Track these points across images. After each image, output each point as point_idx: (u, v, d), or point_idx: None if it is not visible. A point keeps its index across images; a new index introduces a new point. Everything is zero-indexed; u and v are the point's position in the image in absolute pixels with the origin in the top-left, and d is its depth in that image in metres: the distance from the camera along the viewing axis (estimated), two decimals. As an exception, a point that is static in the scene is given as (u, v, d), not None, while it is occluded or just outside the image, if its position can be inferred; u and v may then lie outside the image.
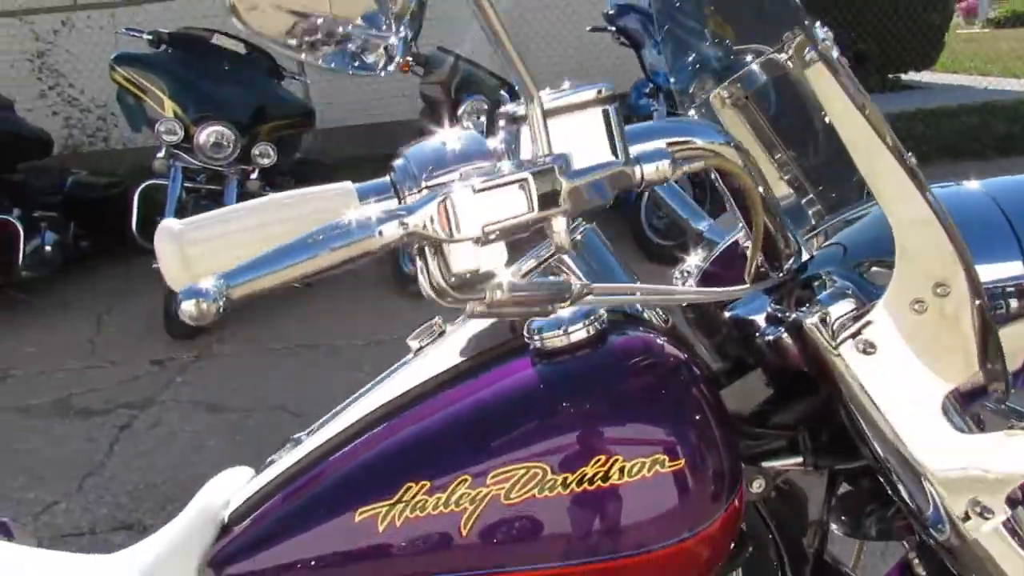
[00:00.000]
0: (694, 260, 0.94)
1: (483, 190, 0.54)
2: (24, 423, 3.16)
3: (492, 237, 0.55)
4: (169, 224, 0.56)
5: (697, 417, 0.71)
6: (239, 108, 3.93)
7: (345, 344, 3.68)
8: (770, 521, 0.88)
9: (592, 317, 0.73)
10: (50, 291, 4.68)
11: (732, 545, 0.83)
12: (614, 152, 0.59)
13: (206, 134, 3.82)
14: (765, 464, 0.85)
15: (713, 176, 0.76)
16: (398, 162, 0.58)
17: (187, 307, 0.51)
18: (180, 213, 3.92)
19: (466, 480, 0.68)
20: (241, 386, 3.28)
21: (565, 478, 0.67)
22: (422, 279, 0.57)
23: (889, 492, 0.88)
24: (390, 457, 0.73)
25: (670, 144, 0.66)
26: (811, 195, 0.87)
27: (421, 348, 0.88)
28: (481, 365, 0.77)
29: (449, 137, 0.58)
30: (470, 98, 4.24)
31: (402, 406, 0.77)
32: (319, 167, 5.26)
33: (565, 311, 0.76)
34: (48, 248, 4.62)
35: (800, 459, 0.85)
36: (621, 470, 0.67)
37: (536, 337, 0.74)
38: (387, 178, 0.59)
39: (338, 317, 3.95)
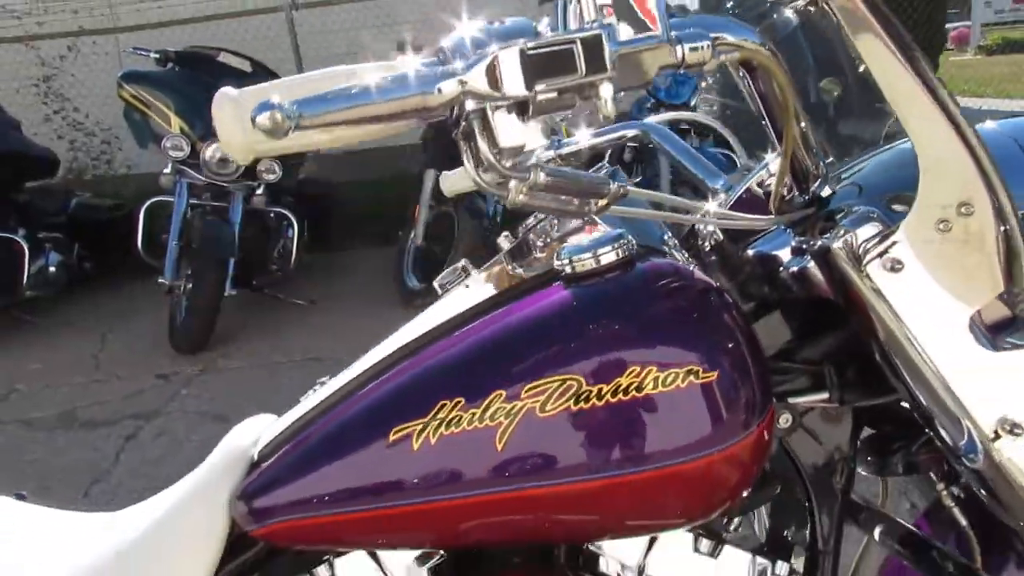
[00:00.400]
0: (712, 206, 0.95)
1: (533, 51, 0.56)
2: (29, 435, 3.15)
3: (541, 99, 0.56)
4: (226, 90, 0.57)
5: (729, 334, 0.71)
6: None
7: (350, 359, 3.67)
8: (797, 461, 0.88)
9: (622, 242, 0.74)
10: (54, 311, 4.68)
11: (760, 478, 0.83)
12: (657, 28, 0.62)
13: (212, 150, 3.85)
14: (791, 400, 0.85)
15: (744, 80, 0.77)
16: (450, 37, 0.60)
17: (262, 119, 0.53)
18: (185, 230, 3.95)
19: (500, 395, 0.68)
20: (247, 398, 3.27)
21: (600, 389, 0.67)
22: (468, 162, 0.58)
23: (915, 427, 0.88)
24: (423, 378, 0.73)
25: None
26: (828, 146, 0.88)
27: (447, 290, 0.89)
28: (510, 296, 0.78)
29: (497, 20, 0.60)
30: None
31: (432, 337, 0.77)
32: (321, 186, 5.30)
33: (594, 235, 0.77)
34: (52, 269, 4.63)
35: (826, 395, 0.85)
36: (655, 380, 0.67)
37: (565, 262, 0.74)
38: (438, 56, 0.60)
39: (343, 332, 3.95)
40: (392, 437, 0.70)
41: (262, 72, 4.27)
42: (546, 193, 0.61)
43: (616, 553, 0.78)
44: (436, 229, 4.32)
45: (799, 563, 0.83)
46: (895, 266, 0.71)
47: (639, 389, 0.67)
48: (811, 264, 0.78)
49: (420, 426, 0.69)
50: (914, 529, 0.85)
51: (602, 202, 0.63)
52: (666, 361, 0.67)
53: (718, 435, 0.69)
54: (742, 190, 0.89)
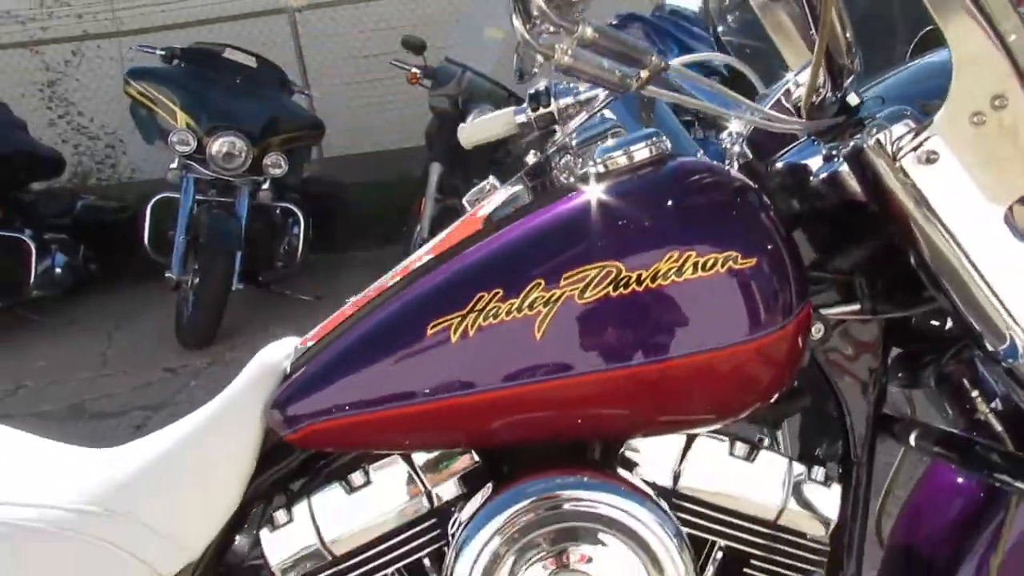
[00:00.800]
0: (735, 126, 0.94)
1: None
2: (39, 427, 3.13)
3: None
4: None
5: (766, 227, 0.71)
6: (250, 119, 3.98)
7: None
8: (829, 374, 0.87)
9: (655, 139, 0.74)
10: (59, 311, 4.69)
11: (792, 390, 0.83)
12: None
13: (218, 144, 3.86)
14: (823, 312, 0.85)
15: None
16: None
17: None
18: (192, 224, 3.96)
19: (539, 284, 0.68)
20: (256, 389, 3.27)
21: (639, 275, 0.67)
22: (516, 19, 0.57)
23: (945, 341, 0.88)
24: (459, 274, 0.73)
25: None
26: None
27: (476, 205, 0.89)
28: (543, 200, 0.78)
29: None
30: (477, 107, 4.29)
31: (467, 242, 0.77)
32: (327, 185, 5.31)
33: (626, 138, 0.77)
34: (58, 270, 4.65)
35: (858, 306, 0.85)
36: (695, 265, 0.67)
37: (599, 160, 0.74)
38: None
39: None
40: (429, 332, 0.70)
41: (268, 68, 4.28)
42: (590, 57, 0.61)
43: (651, 458, 0.78)
44: (442, 223, 4.32)
45: (834, 471, 0.83)
46: (930, 157, 0.71)
47: (678, 274, 0.67)
48: (843, 168, 0.78)
49: (458, 319, 0.69)
50: (952, 431, 0.84)
51: (644, 73, 0.63)
52: (705, 247, 0.67)
53: (755, 323, 0.69)
54: (771, 101, 0.89)
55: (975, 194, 0.72)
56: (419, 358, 0.71)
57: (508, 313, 0.68)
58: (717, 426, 0.76)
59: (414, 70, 4.57)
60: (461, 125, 1.31)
